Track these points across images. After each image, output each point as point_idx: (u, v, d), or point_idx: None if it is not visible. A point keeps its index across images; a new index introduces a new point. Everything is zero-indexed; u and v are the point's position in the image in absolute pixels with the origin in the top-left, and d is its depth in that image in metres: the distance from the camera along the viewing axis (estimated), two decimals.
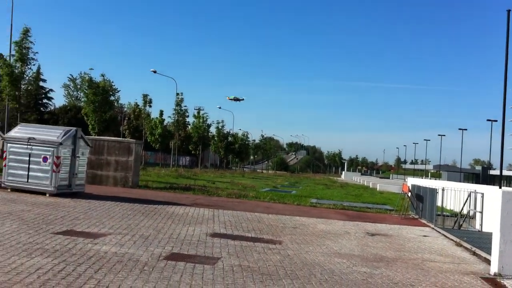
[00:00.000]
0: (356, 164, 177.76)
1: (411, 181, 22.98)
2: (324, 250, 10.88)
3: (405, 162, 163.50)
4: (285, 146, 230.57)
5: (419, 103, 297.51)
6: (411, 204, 20.83)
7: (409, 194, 20.73)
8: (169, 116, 68.05)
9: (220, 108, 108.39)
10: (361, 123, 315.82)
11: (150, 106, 63.98)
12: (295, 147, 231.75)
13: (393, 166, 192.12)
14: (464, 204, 18.46)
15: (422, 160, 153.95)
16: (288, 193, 30.88)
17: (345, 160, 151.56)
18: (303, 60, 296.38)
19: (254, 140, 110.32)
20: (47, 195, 16.36)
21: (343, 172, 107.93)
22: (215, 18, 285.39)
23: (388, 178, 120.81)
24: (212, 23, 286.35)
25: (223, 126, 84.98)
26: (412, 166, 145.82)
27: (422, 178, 79.20)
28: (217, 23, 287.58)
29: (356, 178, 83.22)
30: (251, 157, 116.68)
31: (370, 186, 52.93)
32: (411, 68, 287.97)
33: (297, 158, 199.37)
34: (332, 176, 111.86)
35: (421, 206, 19.53)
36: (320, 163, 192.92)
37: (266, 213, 17.26)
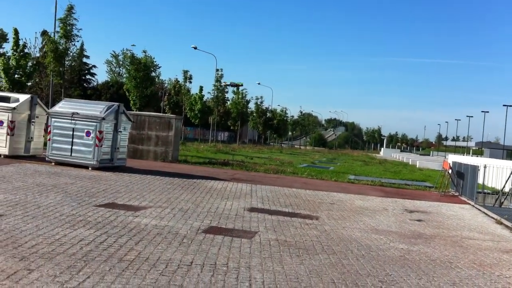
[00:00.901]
0: (396, 141, 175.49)
1: (452, 158, 22.56)
2: (361, 226, 10.88)
3: (446, 139, 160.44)
4: (323, 122, 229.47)
5: (462, 79, 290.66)
6: (451, 181, 20.54)
7: (450, 171, 20.43)
8: (209, 92, 68.65)
9: (259, 84, 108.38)
10: (402, 100, 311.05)
11: (190, 82, 64.44)
12: (333, 123, 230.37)
13: (433, 143, 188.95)
14: (506, 182, 18.10)
15: (464, 137, 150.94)
16: (325, 169, 30.84)
17: (384, 136, 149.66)
18: (343, 36, 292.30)
19: (293, 116, 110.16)
20: (90, 168, 16.77)
21: (382, 148, 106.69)
22: None
23: (428, 155, 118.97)
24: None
25: (262, 102, 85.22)
26: (453, 143, 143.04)
27: (463, 155, 77.67)
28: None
29: (395, 155, 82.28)
30: (289, 133, 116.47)
31: (410, 163, 52.28)
32: (453, 43, 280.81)
33: (335, 134, 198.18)
34: (371, 152, 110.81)
35: (461, 183, 19.24)
36: (358, 139, 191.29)
37: (304, 188, 17.31)
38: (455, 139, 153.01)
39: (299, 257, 7.60)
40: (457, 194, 19.62)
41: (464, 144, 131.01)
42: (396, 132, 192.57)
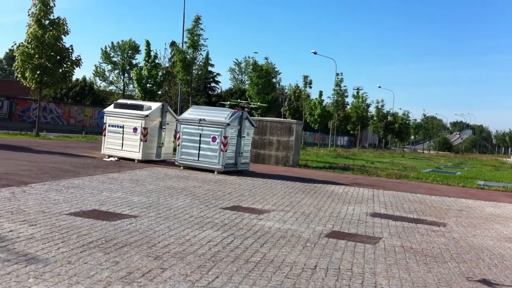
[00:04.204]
0: None
1: None
2: (493, 234, 10.31)
3: None
4: (448, 125, 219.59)
5: None
6: None
7: None
8: (328, 97, 68.61)
9: (379, 87, 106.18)
10: None
11: (310, 87, 64.85)
12: (459, 126, 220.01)
13: None
14: None
15: None
16: (452, 174, 29.50)
17: None
18: (472, 34, 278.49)
19: (415, 120, 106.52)
20: (215, 172, 17.42)
21: None
22: None
23: None
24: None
25: (382, 106, 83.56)
26: None
27: None
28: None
29: None
30: (412, 137, 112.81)
31: None
32: None
33: (461, 138, 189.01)
34: (501, 157, 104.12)
35: None
36: (487, 143, 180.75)
37: (429, 194, 16.71)
38: None
39: (426, 265, 7.37)
40: None
41: None
42: None
